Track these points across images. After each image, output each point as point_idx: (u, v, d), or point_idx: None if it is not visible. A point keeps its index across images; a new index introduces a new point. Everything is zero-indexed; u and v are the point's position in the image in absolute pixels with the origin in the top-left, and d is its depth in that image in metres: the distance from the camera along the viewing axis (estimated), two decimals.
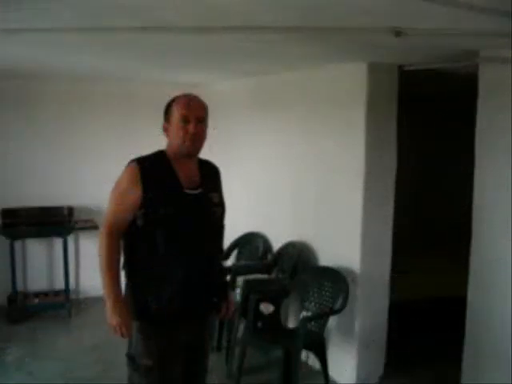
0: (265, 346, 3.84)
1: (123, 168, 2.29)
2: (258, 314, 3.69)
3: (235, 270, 4.26)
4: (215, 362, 3.78)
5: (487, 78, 3.07)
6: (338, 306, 3.57)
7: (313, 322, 3.71)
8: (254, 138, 4.94)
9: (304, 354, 3.95)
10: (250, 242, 4.84)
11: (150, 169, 2.25)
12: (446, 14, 2.10)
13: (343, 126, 3.82)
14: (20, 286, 5.15)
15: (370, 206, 3.65)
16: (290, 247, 4.33)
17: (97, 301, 4.34)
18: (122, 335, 2.25)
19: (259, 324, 3.69)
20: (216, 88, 5.37)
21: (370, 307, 3.76)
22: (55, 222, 5.20)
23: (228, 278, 3.91)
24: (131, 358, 2.31)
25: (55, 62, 4.02)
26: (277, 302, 3.77)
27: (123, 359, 2.36)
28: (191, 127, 2.24)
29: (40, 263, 5.45)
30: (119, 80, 5.33)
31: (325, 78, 3.97)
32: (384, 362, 3.87)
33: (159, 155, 2.33)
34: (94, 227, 5.01)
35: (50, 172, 5.38)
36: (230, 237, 4.33)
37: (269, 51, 3.32)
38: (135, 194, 2.20)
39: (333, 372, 3.73)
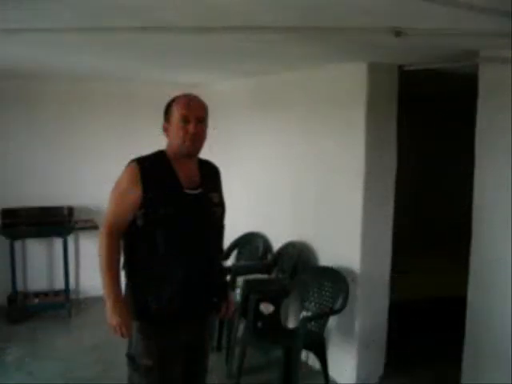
0: (265, 346, 3.84)
1: (123, 168, 2.29)
2: (258, 314, 3.69)
3: (235, 270, 4.26)
4: (215, 362, 3.78)
5: (487, 77, 3.07)
6: (337, 305, 3.57)
7: (313, 322, 3.71)
8: (254, 137, 4.94)
9: (304, 354, 3.95)
10: (250, 242, 4.84)
11: (150, 169, 2.25)
12: (446, 14, 2.10)
13: (343, 126, 3.82)
14: (20, 286, 5.15)
15: (370, 206, 3.65)
16: (290, 247, 4.33)
17: (97, 301, 4.34)
18: (122, 335, 2.25)
19: (259, 324, 3.69)
20: (216, 88, 5.37)
21: (370, 307, 3.76)
22: (55, 222, 5.20)
23: (228, 277, 3.91)
24: (131, 358, 2.31)
25: (55, 62, 4.02)
26: (277, 302, 3.77)
27: (123, 359, 2.35)
28: (191, 127, 2.24)
29: (40, 263, 5.45)
30: (119, 80, 5.33)
31: (325, 77, 3.97)
32: (384, 362, 3.87)
33: (159, 155, 2.33)
34: (94, 227, 5.01)
35: (50, 172, 5.38)
36: (230, 237, 4.33)
37: (269, 51, 3.32)
38: (135, 194, 2.20)
39: (333, 372, 3.73)
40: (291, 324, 4.00)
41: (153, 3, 2.12)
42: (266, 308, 3.71)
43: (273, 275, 4.36)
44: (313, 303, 3.86)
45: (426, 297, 4.57)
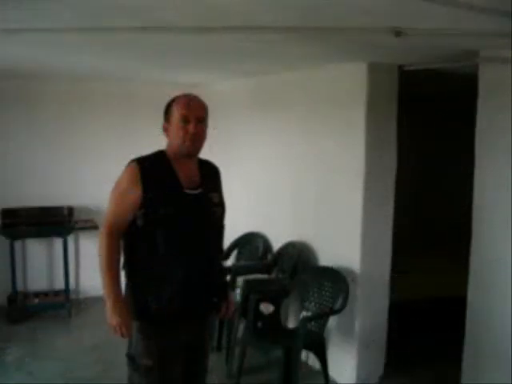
0: (265, 346, 3.84)
1: (123, 168, 2.29)
2: (258, 314, 3.69)
3: (235, 270, 4.26)
4: (215, 362, 3.78)
5: (487, 77, 3.07)
6: (337, 305, 3.57)
7: (313, 322, 3.71)
8: (254, 137, 4.94)
9: (304, 354, 3.95)
10: (250, 242, 4.84)
11: (150, 169, 2.25)
12: (446, 14, 2.10)
13: (343, 126, 3.82)
14: (20, 286, 5.15)
15: (370, 206, 3.65)
16: (290, 247, 4.33)
17: (97, 301, 4.34)
18: (122, 335, 2.25)
19: (259, 324, 3.69)
20: (216, 88, 5.37)
21: (370, 307, 3.76)
22: (55, 222, 5.20)
23: (228, 277, 3.91)
24: (131, 358, 2.31)
25: (55, 62, 4.02)
26: (277, 301, 3.77)
27: (123, 359, 2.36)
28: (191, 127, 2.24)
29: (40, 263, 5.45)
30: (119, 80, 5.33)
31: (325, 78, 3.97)
32: (384, 362, 3.87)
33: (159, 155, 2.33)
34: (94, 227, 5.01)
35: (50, 172, 5.38)
36: (230, 237, 4.33)
37: (269, 51, 3.32)
38: (135, 194, 2.20)
39: (333, 372, 3.73)
40: (291, 324, 4.00)
41: (153, 3, 2.12)
42: (266, 308, 3.71)
43: (273, 275, 4.36)
44: (313, 303, 3.86)
45: (426, 297, 4.57)
